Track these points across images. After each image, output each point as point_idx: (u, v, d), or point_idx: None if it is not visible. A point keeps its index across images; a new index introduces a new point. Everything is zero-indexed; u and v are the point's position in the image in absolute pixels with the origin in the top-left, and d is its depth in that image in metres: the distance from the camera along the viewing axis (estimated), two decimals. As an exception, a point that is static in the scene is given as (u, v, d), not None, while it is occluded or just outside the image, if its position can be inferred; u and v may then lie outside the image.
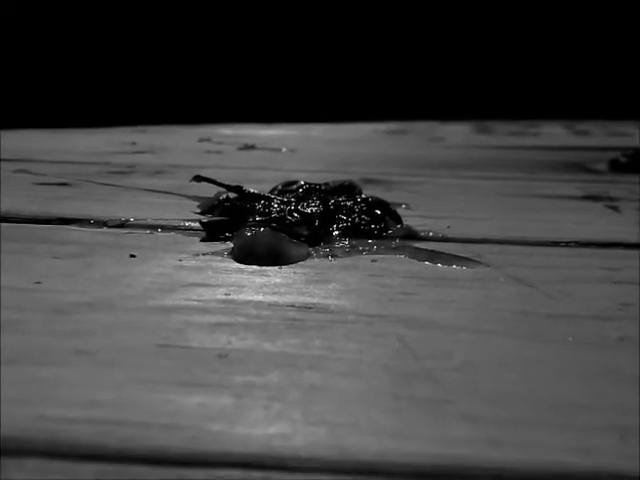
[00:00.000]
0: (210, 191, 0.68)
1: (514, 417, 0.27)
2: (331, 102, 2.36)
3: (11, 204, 0.64)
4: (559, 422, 0.26)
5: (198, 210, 0.64)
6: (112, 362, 0.31)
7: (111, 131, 1.52)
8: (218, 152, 1.16)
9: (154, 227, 0.57)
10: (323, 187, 0.64)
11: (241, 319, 0.36)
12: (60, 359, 0.31)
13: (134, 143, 1.25)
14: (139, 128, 1.59)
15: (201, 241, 0.53)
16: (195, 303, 0.39)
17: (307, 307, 0.38)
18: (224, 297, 0.40)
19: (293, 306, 0.39)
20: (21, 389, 0.28)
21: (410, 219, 0.60)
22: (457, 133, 1.62)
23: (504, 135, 1.59)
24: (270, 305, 0.39)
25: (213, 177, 0.67)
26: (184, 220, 0.59)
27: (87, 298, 0.39)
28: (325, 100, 2.38)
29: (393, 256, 0.49)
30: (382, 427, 0.26)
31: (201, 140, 1.35)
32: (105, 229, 0.56)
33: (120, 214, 0.61)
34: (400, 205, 0.67)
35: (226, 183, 0.64)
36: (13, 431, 0.25)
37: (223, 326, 0.35)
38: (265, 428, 0.25)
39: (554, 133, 1.66)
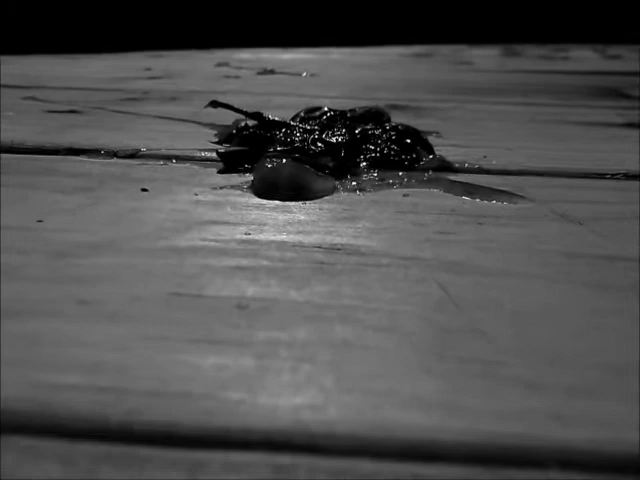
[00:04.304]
0: (228, 118, 0.64)
1: (579, 383, 0.23)
2: (350, 25, 2.28)
3: (17, 133, 0.60)
4: (635, 391, 0.23)
5: (215, 139, 0.60)
6: (118, 315, 0.27)
7: (126, 56, 1.47)
8: (236, 77, 1.12)
9: (168, 157, 0.53)
10: (349, 114, 0.59)
11: (263, 262, 0.33)
12: (59, 311, 0.28)
13: (149, 69, 1.20)
14: (155, 53, 1.54)
15: (218, 173, 0.49)
16: (212, 244, 0.35)
17: (335, 248, 0.35)
18: (244, 237, 0.36)
19: (320, 247, 0.35)
20: (12, 348, 0.25)
21: (442, 149, 0.56)
22: (485, 57, 1.56)
23: (534, 59, 1.52)
24: (294, 246, 0.35)
25: (232, 103, 0.63)
26: (200, 150, 0.55)
27: (93, 238, 0.36)
28: (343, 22, 2.30)
29: (427, 190, 0.45)
30: (427, 396, 0.22)
31: (219, 65, 1.31)
32: (116, 160, 0.52)
33: (132, 143, 0.57)
34: (431, 133, 0.63)
35: (244, 109, 0.60)
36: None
37: (243, 270, 0.32)
38: (292, 397, 0.22)
39: (585, 57, 1.60)
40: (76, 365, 0.24)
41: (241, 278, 0.31)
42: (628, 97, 0.94)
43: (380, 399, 0.22)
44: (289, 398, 0.22)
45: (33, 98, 0.82)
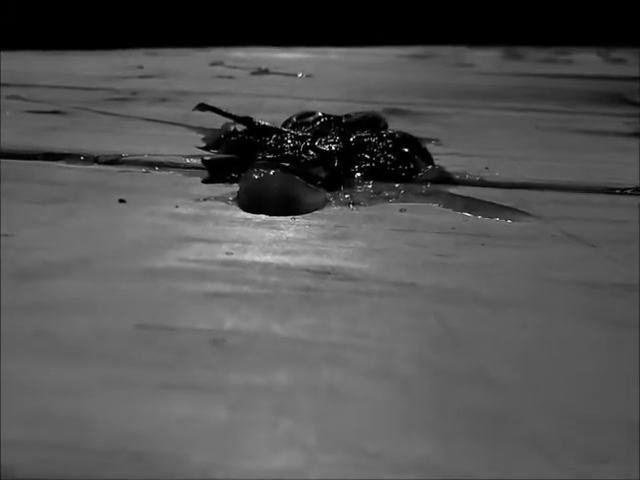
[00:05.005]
0: (218, 122, 0.60)
1: (597, 445, 0.20)
2: (348, 24, 2.25)
3: (-6, 135, 0.57)
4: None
5: (202, 144, 0.57)
6: (78, 351, 0.24)
7: (118, 54, 1.44)
8: (230, 77, 1.08)
9: (151, 164, 0.50)
10: (344, 120, 0.56)
11: (244, 288, 0.30)
12: (13, 344, 0.25)
13: (141, 67, 1.17)
14: (148, 50, 1.51)
15: (203, 182, 0.46)
16: (191, 265, 0.32)
17: (325, 272, 0.32)
18: (226, 257, 0.33)
19: (308, 270, 0.32)
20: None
21: (442, 158, 0.53)
22: (486, 59, 1.52)
23: (535, 62, 1.49)
24: (280, 269, 0.32)
25: (224, 105, 0.60)
26: (185, 156, 0.52)
27: (61, 256, 0.33)
28: (340, 21, 2.27)
29: (425, 204, 0.42)
30: (426, 459, 0.19)
31: (213, 64, 1.27)
32: (96, 166, 0.49)
33: (115, 148, 0.54)
34: (430, 141, 0.60)
35: (233, 113, 0.57)
36: None
37: (222, 298, 0.29)
38: (269, 459, 0.19)
39: (588, 60, 1.56)
40: (20, 416, 0.21)
41: (219, 307, 0.28)
42: (633, 104, 0.91)
43: (372, 463, 0.19)
44: (266, 461, 0.19)
45: (17, 97, 0.79)
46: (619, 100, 0.94)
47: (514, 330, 0.27)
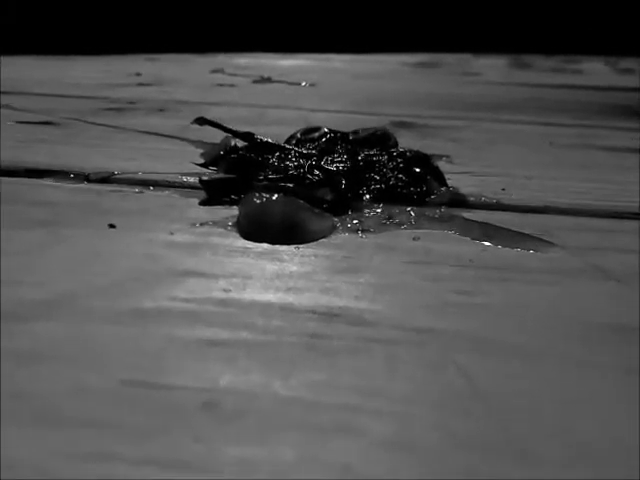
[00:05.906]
0: (217, 135, 0.57)
1: None
2: (351, 30, 2.22)
3: (-20, 149, 0.54)
4: None
5: (201, 160, 0.53)
6: (49, 414, 0.21)
7: (117, 59, 1.41)
8: (231, 85, 1.06)
9: (145, 183, 0.47)
10: (351, 136, 0.53)
11: (243, 334, 0.27)
12: (-25, 410, 0.21)
13: (139, 74, 1.14)
14: (148, 56, 1.48)
15: (200, 204, 0.43)
16: (183, 306, 0.29)
17: (333, 314, 0.29)
18: (223, 295, 0.30)
19: (314, 312, 0.29)
20: None
21: (454, 177, 0.50)
22: (493, 67, 1.49)
23: (544, 71, 1.46)
24: (283, 309, 0.29)
25: (224, 117, 0.57)
26: (182, 174, 0.49)
27: (41, 294, 0.29)
28: (344, 27, 2.24)
29: (440, 231, 0.39)
30: None
31: (213, 71, 1.24)
32: (85, 184, 0.46)
33: (107, 164, 0.51)
34: (440, 157, 0.56)
35: (234, 128, 0.54)
36: None
37: (217, 347, 0.25)
38: None
39: (596, 70, 1.53)
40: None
41: (214, 359, 0.25)
42: (646, 117, 0.88)
43: None
44: None
45: (8, 106, 0.75)
46: (630, 112, 0.91)
47: (549, 386, 0.24)
